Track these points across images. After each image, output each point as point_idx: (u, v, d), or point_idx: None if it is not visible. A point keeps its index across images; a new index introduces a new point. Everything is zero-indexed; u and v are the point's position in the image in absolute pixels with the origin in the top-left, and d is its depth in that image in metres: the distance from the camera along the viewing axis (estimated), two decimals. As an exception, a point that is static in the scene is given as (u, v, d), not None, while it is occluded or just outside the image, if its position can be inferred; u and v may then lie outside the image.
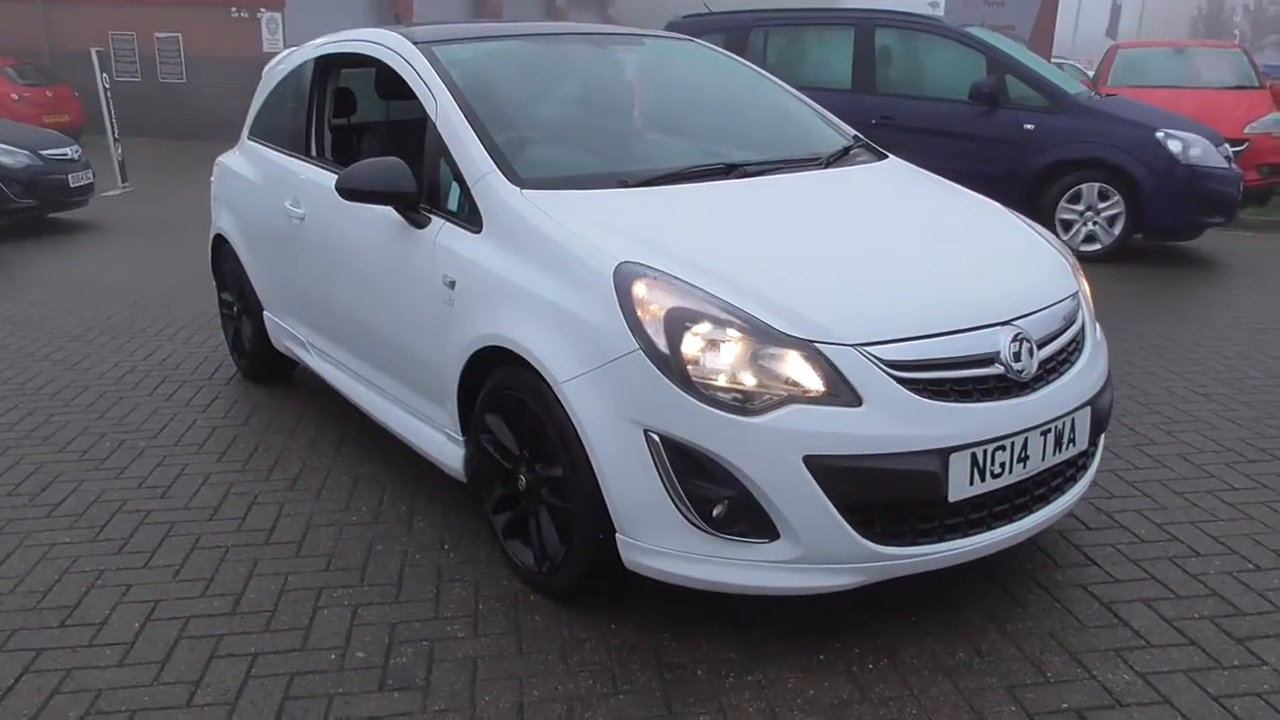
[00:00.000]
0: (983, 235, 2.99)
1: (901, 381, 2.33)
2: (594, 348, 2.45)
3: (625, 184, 2.89)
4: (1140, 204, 7.21)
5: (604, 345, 2.42)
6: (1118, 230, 7.32)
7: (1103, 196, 7.30)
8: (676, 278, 2.42)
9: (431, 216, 3.03)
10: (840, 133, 3.66)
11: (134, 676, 2.46)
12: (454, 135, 3.00)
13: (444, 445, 3.13)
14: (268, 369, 4.62)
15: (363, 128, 4.22)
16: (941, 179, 3.43)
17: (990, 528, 2.48)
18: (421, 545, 3.10)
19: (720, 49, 4.00)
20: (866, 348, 2.34)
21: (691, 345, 2.34)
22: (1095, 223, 7.37)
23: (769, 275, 2.49)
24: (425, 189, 3.06)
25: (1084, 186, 7.33)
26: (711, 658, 2.49)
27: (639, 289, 2.42)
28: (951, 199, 3.26)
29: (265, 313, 4.37)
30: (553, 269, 2.59)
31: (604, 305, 2.44)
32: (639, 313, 2.39)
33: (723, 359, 2.33)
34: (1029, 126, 7.38)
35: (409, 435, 3.32)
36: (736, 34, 8.39)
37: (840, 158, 3.40)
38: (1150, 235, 7.60)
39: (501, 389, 2.78)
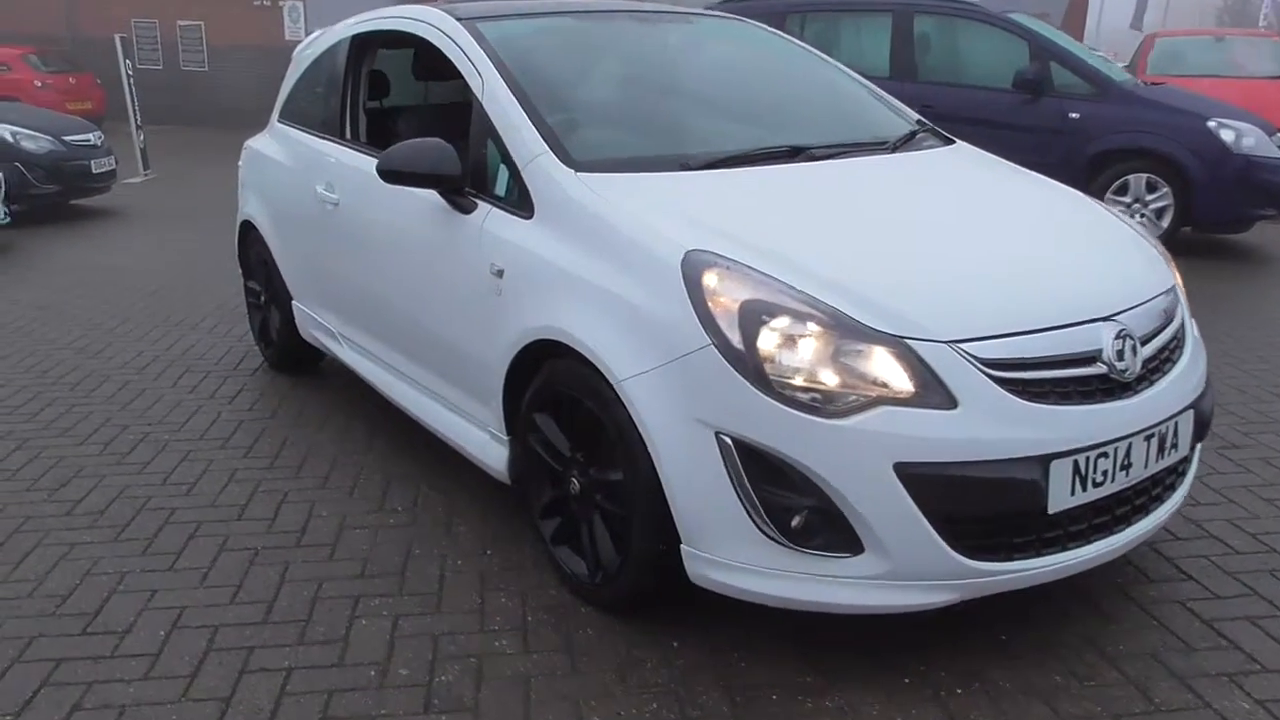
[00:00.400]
0: (1073, 224, 2.78)
1: (999, 382, 2.13)
2: (660, 343, 2.25)
3: (687, 166, 2.69)
4: (1190, 195, 6.95)
5: (671, 340, 2.23)
6: (1166, 223, 7.06)
7: (1151, 188, 7.05)
8: (751, 267, 2.22)
9: (478, 201, 2.84)
10: (903, 116, 3.45)
11: (160, 692, 2.28)
12: (503, 115, 2.81)
13: (486, 444, 2.95)
14: (295, 359, 4.45)
15: (399, 110, 4.03)
16: (1016, 165, 3.22)
17: (1089, 540, 2.28)
18: (462, 550, 2.92)
19: (771, 28, 3.78)
20: (961, 344, 2.13)
21: (768, 341, 2.14)
22: (1143, 215, 7.11)
23: (850, 265, 2.29)
24: (470, 172, 2.86)
25: (1131, 177, 7.08)
26: (786, 680, 2.29)
27: (710, 279, 2.22)
28: (1033, 186, 3.04)
29: (294, 302, 4.19)
30: (613, 257, 2.40)
31: (671, 297, 2.25)
32: (710, 305, 2.20)
33: (802, 356, 2.13)
34: (1074, 115, 7.13)
35: (447, 432, 3.14)
36: (773, 20, 8.14)
37: (907, 142, 3.19)
38: (1199, 228, 7.34)
39: (553, 386, 2.59)
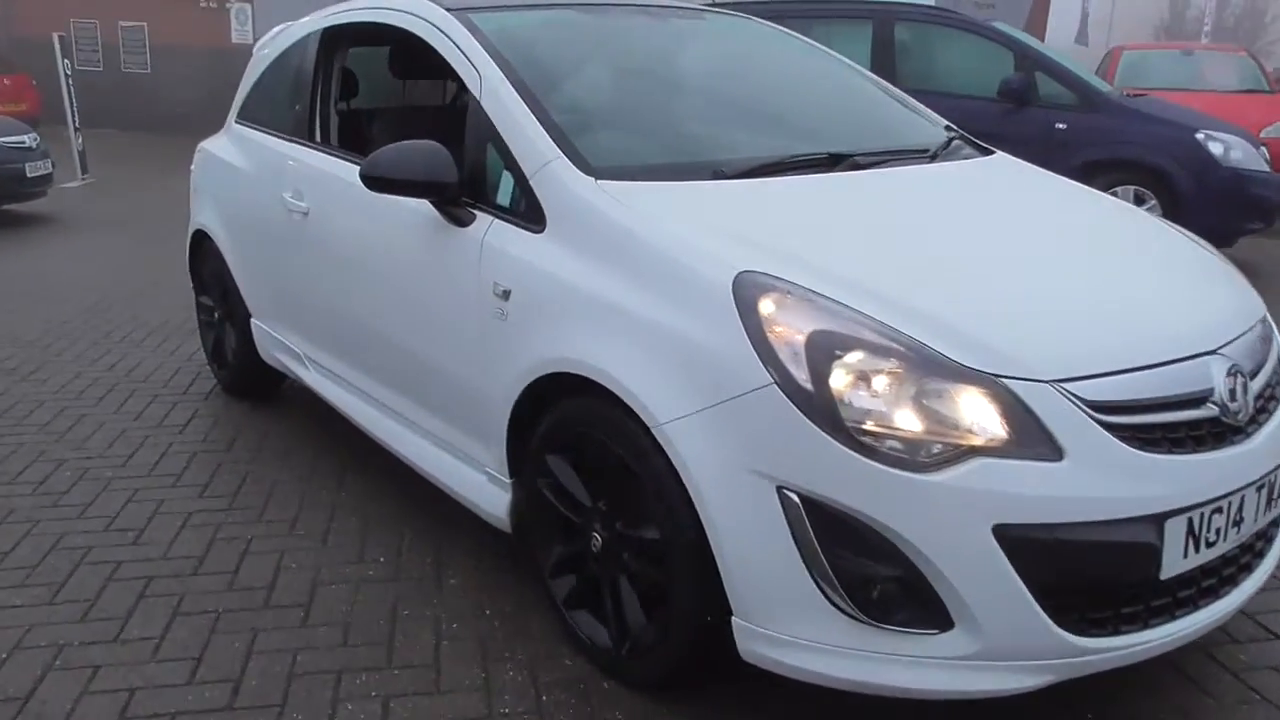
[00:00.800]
0: (1152, 246, 2.50)
1: (1109, 428, 1.83)
2: (708, 380, 1.92)
3: (721, 174, 2.36)
4: (1178, 208, 6.80)
5: (722, 377, 1.90)
6: (1154, 237, 6.91)
7: (1139, 200, 6.89)
8: (816, 292, 1.90)
9: (476, 213, 2.49)
10: (934, 122, 3.16)
11: (106, 803, 1.89)
12: (506, 116, 2.46)
13: (483, 487, 2.59)
14: (252, 383, 4.04)
15: (376, 112, 3.66)
16: (1065, 178, 2.94)
17: (1198, 607, 1.98)
18: (457, 611, 2.55)
19: (784, 29, 3.48)
20: (1065, 384, 1.83)
21: (842, 379, 1.82)
22: (1131, 229, 6.95)
23: (926, 290, 1.97)
24: (468, 180, 2.51)
25: (1119, 189, 6.91)
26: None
27: (767, 306, 1.90)
28: (1096, 202, 2.77)
29: (253, 320, 3.78)
30: (647, 278, 2.06)
31: (721, 326, 1.92)
32: (769, 336, 1.87)
33: (883, 397, 1.81)
34: (1060, 126, 6.95)
35: (435, 472, 2.77)
36: (751, 24, 7.89)
37: (945, 150, 2.90)
38: (1186, 242, 7.19)
39: (571, 425, 2.25)
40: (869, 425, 1.80)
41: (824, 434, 1.80)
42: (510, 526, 2.53)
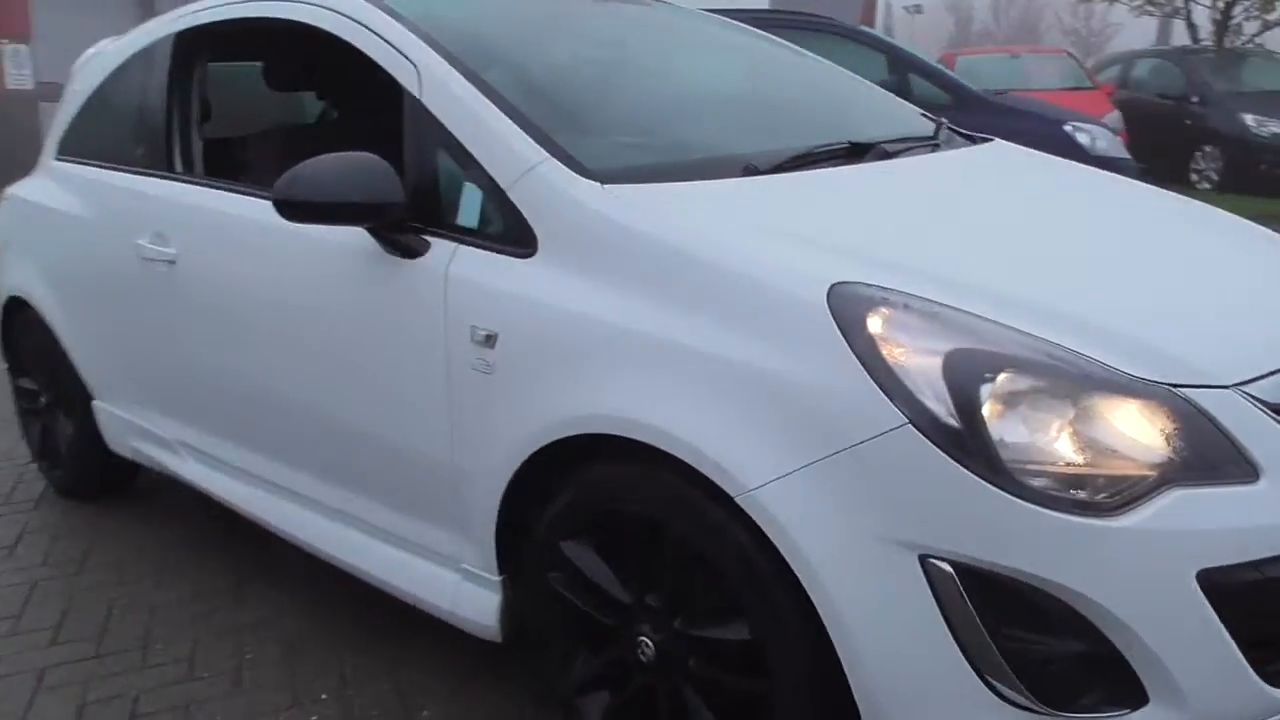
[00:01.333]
0: (1222, 227, 2.25)
1: None
2: (811, 426, 1.47)
3: (754, 169, 1.93)
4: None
5: (832, 421, 1.46)
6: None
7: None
8: (938, 302, 1.50)
9: (430, 240, 1.96)
10: (913, 111, 2.87)
11: None
12: (461, 114, 1.94)
13: (457, 589, 2.04)
14: (98, 481, 3.27)
15: (264, 131, 3.04)
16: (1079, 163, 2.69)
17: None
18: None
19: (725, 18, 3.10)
20: (1245, 388, 1.50)
21: (994, 410, 1.42)
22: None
23: (1050, 291, 1.61)
24: (413, 198, 1.98)
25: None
26: None
27: (876, 324, 1.48)
28: (1131, 186, 2.50)
29: (96, 403, 3.05)
30: (703, 303, 1.59)
31: (821, 355, 1.48)
32: (889, 362, 1.45)
33: (1044, 428, 1.43)
34: (937, 125, 7.03)
35: (384, 575, 2.19)
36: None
37: (947, 137, 2.58)
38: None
39: (597, 500, 1.75)
40: (1033, 465, 1.41)
41: (981, 481, 1.39)
42: (501, 635, 2.00)
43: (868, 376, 1.44)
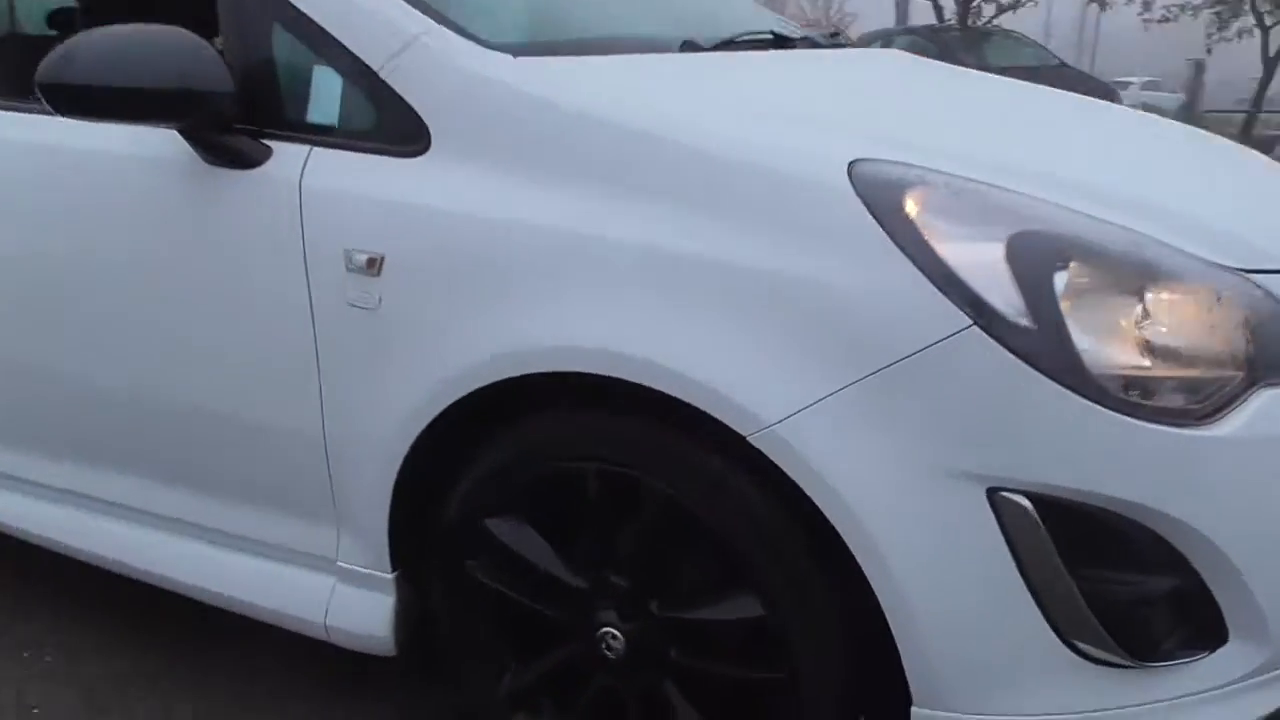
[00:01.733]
0: (1173, 130, 2.11)
1: None
2: (843, 340, 1.16)
3: (694, 46, 1.56)
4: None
5: (871, 331, 1.15)
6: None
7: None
8: (983, 182, 1.21)
9: (271, 145, 1.47)
10: (764, 10, 2.61)
11: None
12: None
13: (332, 594, 1.58)
14: None
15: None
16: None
17: None
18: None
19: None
20: None
21: (1071, 305, 1.15)
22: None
23: (1089, 173, 1.38)
24: (242, 90, 1.47)
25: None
26: None
27: (913, 208, 1.17)
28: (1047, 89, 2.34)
29: None
30: (684, 197, 1.23)
31: (849, 248, 1.16)
32: (939, 251, 1.15)
33: (1123, 323, 1.18)
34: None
35: (231, 591, 1.69)
36: None
37: (818, 39, 2.33)
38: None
39: (536, 462, 1.36)
40: (1115, 369, 1.16)
41: (1067, 391, 1.12)
42: (396, 646, 1.56)
43: (917, 271, 1.13)
